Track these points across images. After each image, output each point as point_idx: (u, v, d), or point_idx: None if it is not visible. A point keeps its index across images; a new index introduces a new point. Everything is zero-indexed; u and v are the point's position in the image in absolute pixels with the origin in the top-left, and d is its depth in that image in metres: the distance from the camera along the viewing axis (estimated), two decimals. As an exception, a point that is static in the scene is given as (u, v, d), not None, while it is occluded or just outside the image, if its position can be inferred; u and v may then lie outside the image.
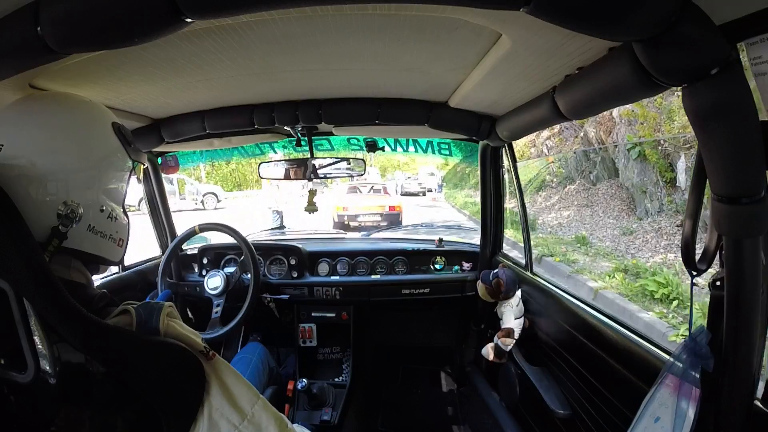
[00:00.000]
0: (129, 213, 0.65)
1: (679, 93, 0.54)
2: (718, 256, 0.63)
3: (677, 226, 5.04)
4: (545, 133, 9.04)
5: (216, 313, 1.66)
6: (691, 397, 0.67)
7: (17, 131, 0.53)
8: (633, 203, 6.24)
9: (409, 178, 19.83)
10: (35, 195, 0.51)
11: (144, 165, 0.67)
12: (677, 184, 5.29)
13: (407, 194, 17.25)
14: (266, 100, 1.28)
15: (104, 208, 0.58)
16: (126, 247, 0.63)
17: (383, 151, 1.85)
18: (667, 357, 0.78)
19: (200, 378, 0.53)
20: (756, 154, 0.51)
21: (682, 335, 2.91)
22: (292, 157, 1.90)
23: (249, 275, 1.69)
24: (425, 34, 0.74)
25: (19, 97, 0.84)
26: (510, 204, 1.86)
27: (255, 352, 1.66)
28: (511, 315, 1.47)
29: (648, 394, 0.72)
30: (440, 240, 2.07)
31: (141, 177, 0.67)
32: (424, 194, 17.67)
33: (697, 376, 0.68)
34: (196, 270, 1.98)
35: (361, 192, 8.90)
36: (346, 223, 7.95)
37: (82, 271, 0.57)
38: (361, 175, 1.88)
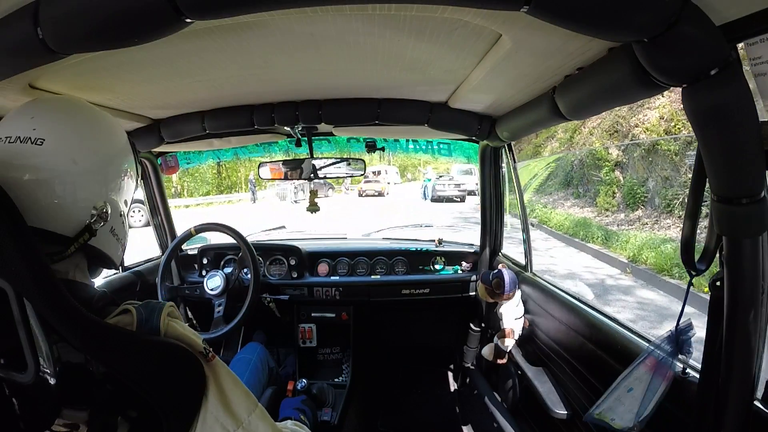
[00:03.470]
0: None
1: None
2: (718, 256, 0.63)
3: None
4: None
5: (218, 312, 1.66)
6: (665, 377, 0.75)
7: (57, 128, 0.53)
8: None
9: (441, 177, 15.07)
10: (73, 191, 0.52)
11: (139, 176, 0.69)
12: None
13: (439, 199, 13.64)
14: (266, 100, 1.28)
15: (122, 211, 0.60)
16: (123, 252, 0.65)
17: (383, 151, 1.85)
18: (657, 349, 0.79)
19: (200, 378, 0.53)
20: (756, 155, 0.51)
21: None
22: (291, 157, 1.90)
23: (248, 274, 1.69)
24: (425, 34, 0.74)
25: (19, 97, 0.84)
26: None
27: (255, 353, 1.66)
28: (511, 315, 1.47)
29: (626, 370, 0.78)
30: (440, 240, 2.07)
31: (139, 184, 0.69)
32: (462, 200, 13.56)
33: (676, 363, 0.75)
34: (197, 270, 1.98)
35: (369, 181, 17.28)
36: (361, 195, 17.26)
37: (84, 272, 0.58)
38: (362, 175, 1.88)
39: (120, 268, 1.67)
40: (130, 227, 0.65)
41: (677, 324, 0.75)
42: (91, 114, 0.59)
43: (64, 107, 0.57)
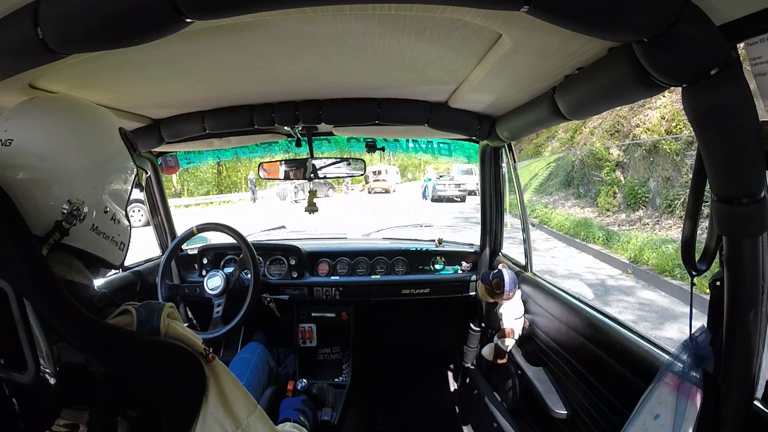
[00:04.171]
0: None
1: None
2: (718, 256, 0.63)
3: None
4: None
5: (217, 312, 1.66)
6: (692, 397, 0.67)
7: (27, 128, 0.53)
8: None
9: (441, 176, 14.94)
10: (41, 190, 0.51)
11: (147, 173, 0.68)
12: None
13: (439, 199, 13.67)
14: (266, 100, 1.28)
15: (108, 209, 0.58)
16: (127, 251, 0.64)
17: (383, 151, 1.85)
18: (667, 357, 0.78)
19: (200, 379, 0.53)
20: (756, 155, 0.51)
21: None
22: (291, 157, 1.90)
23: (249, 274, 1.69)
24: (425, 34, 0.74)
25: (19, 97, 0.84)
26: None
27: (255, 353, 1.66)
28: (511, 315, 1.47)
29: (646, 391, 0.73)
30: (440, 240, 2.07)
31: (143, 183, 0.68)
32: (463, 200, 13.49)
33: (698, 376, 0.67)
34: (197, 270, 1.98)
35: (378, 180, 18.64)
36: (369, 192, 18.94)
37: (83, 272, 0.57)
38: (362, 175, 1.88)
39: (120, 268, 1.68)
40: (131, 227, 0.64)
41: (690, 332, 0.70)
42: (69, 110, 0.58)
43: (40, 106, 0.56)
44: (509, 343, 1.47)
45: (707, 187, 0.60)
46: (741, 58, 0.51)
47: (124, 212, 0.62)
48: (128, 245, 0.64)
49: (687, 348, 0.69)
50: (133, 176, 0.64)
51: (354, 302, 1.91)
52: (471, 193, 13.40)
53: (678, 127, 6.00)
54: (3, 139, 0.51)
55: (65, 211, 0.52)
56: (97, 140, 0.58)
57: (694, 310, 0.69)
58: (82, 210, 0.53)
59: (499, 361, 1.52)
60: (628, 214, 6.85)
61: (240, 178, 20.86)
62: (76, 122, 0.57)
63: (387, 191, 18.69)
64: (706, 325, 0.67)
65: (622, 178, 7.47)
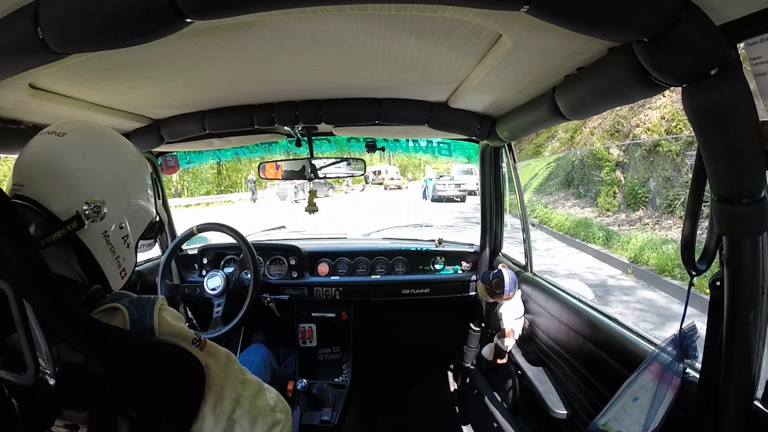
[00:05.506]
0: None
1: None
2: (718, 256, 0.63)
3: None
4: None
5: (217, 312, 1.66)
6: (671, 385, 0.72)
7: (80, 132, 0.61)
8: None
9: (441, 176, 14.84)
10: (75, 180, 0.57)
11: (158, 220, 0.72)
12: None
13: (439, 199, 13.68)
14: (266, 100, 1.28)
15: (123, 227, 0.62)
16: (126, 282, 0.66)
17: (383, 151, 1.85)
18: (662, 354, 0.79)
19: (199, 376, 0.54)
20: (756, 155, 0.51)
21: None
22: (291, 157, 1.90)
23: (249, 274, 1.69)
24: (425, 34, 0.74)
25: (19, 96, 0.84)
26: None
27: (257, 354, 1.66)
28: (511, 315, 1.47)
29: (629, 378, 0.76)
30: (440, 240, 2.07)
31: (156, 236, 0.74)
32: (463, 200, 13.50)
33: (682, 367, 0.73)
34: (197, 270, 1.98)
35: (393, 178, 22.07)
36: (386, 189, 21.22)
37: (81, 275, 0.58)
38: (362, 175, 1.88)
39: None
40: (137, 262, 0.68)
41: (681, 327, 0.73)
42: (119, 137, 0.66)
43: (99, 126, 0.66)
44: (509, 343, 1.47)
45: (707, 187, 0.60)
46: (741, 58, 0.51)
47: (134, 243, 0.65)
48: (129, 277, 0.66)
49: (675, 342, 0.72)
50: (150, 220, 0.68)
51: (354, 302, 1.91)
52: (471, 193, 13.38)
53: (678, 127, 6.02)
54: (59, 132, 0.59)
55: (87, 206, 0.56)
56: (132, 164, 0.65)
57: (694, 311, 0.69)
58: (101, 209, 0.58)
59: (499, 361, 1.52)
60: (628, 214, 6.89)
61: (240, 178, 20.98)
62: (119, 145, 0.65)
63: (400, 188, 22.09)
64: (701, 324, 0.67)
65: (622, 178, 7.49)
